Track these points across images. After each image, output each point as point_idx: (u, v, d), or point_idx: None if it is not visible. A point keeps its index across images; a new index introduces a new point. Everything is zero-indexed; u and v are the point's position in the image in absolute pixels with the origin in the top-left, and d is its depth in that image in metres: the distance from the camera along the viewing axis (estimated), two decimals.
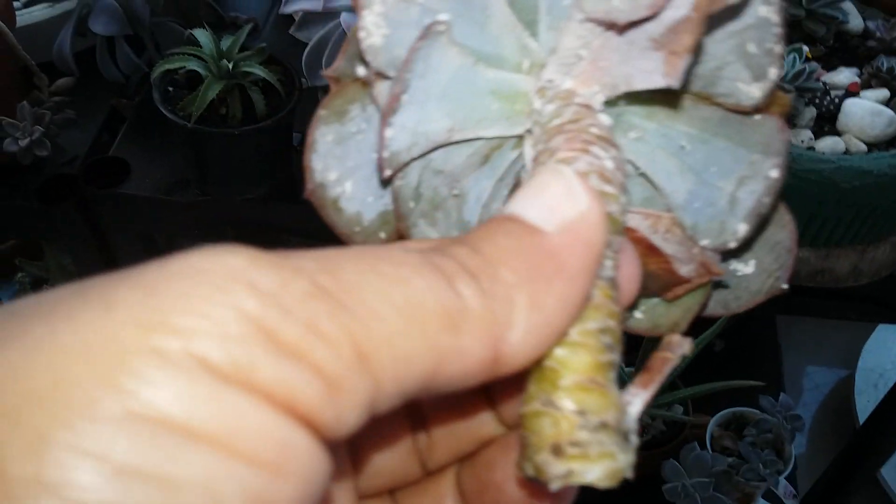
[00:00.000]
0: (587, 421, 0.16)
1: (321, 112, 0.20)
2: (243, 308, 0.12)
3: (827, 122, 0.54)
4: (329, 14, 0.55)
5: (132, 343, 0.12)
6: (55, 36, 0.64)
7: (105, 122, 0.69)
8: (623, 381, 0.17)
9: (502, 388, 0.20)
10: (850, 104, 0.53)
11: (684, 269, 0.21)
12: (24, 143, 0.61)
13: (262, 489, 0.12)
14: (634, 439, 0.17)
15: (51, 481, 0.11)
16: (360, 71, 0.20)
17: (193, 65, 0.57)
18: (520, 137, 0.21)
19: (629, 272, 0.19)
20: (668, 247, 0.21)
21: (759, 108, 0.20)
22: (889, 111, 0.52)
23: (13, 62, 0.62)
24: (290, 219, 0.64)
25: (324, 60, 0.56)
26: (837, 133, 0.53)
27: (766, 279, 0.22)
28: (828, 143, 0.52)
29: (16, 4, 0.68)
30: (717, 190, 0.21)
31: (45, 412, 0.11)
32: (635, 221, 0.21)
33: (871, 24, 0.58)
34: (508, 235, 0.16)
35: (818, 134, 0.53)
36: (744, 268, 0.23)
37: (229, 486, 0.12)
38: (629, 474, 0.16)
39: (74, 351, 0.12)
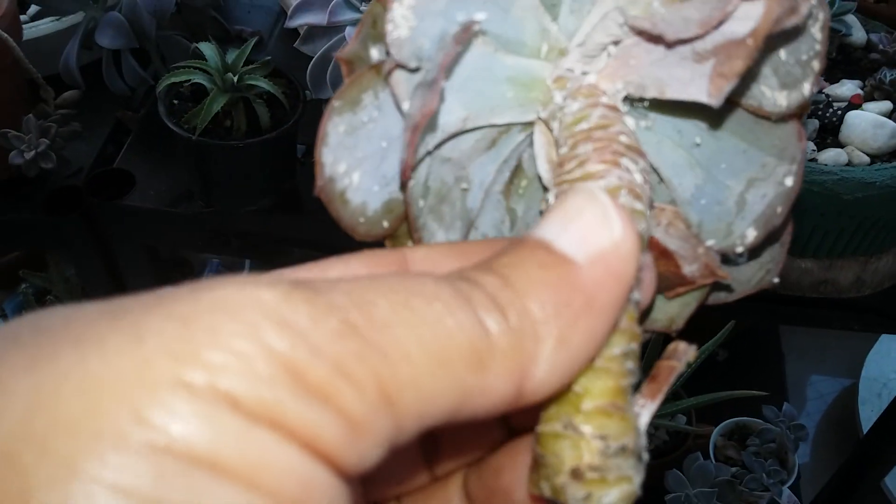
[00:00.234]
0: (608, 446, 0.16)
1: (335, 103, 0.19)
2: (273, 347, 0.12)
3: (829, 134, 0.54)
4: (333, 28, 0.55)
5: (162, 375, 0.12)
6: (61, 49, 0.65)
7: (110, 135, 0.69)
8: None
9: None
10: (853, 116, 0.53)
11: (687, 269, 0.21)
12: (29, 155, 0.61)
13: None
14: (646, 457, 0.17)
15: None
16: (374, 55, 0.19)
17: (199, 78, 0.57)
18: (529, 122, 0.20)
19: (647, 284, 0.19)
20: (671, 241, 0.21)
21: (784, 117, 0.19)
22: (892, 123, 0.52)
23: (19, 75, 0.62)
24: (293, 230, 0.64)
25: (328, 74, 0.56)
26: (840, 145, 0.53)
27: (758, 271, 0.22)
28: (830, 155, 0.52)
29: (22, 18, 0.68)
30: (725, 188, 0.21)
31: (74, 441, 0.11)
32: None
33: (874, 37, 0.58)
34: (539, 266, 0.16)
35: (821, 146, 0.54)
36: (738, 260, 0.22)
37: None
38: (640, 491, 0.16)
39: (104, 380, 0.12)
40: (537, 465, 0.17)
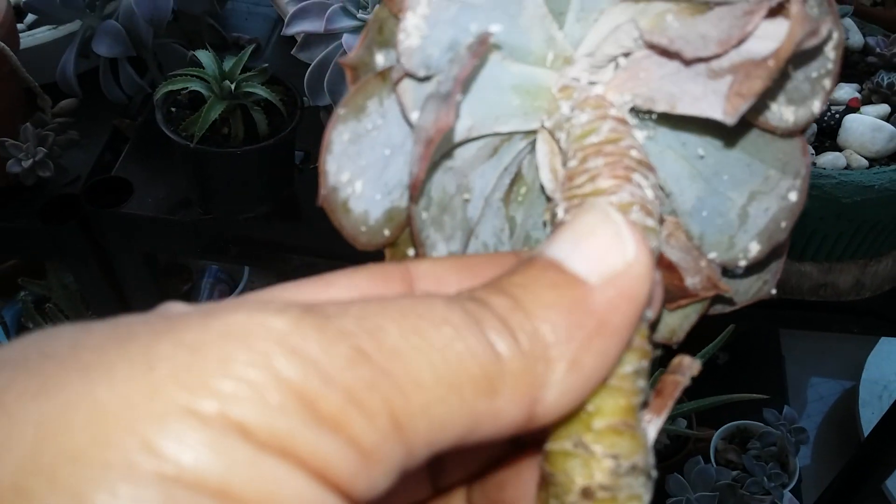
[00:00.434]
0: (619, 465, 0.16)
1: (340, 111, 0.19)
2: (284, 375, 0.12)
3: (828, 138, 0.54)
4: (330, 35, 0.55)
5: (171, 404, 0.12)
6: (59, 58, 0.65)
7: (108, 143, 0.69)
8: None
9: None
10: (851, 120, 0.53)
11: (689, 281, 0.21)
12: (27, 164, 0.61)
13: None
14: (655, 474, 0.17)
15: None
16: (380, 61, 0.19)
17: (196, 86, 0.57)
18: (532, 130, 0.20)
19: (656, 299, 0.18)
20: (671, 252, 0.20)
21: (790, 133, 0.19)
22: (890, 126, 0.52)
23: (17, 84, 0.62)
24: (291, 237, 0.64)
25: (326, 81, 0.56)
26: (838, 148, 0.53)
27: (755, 283, 0.22)
28: (829, 159, 0.52)
29: (19, 26, 0.68)
30: (727, 200, 0.20)
31: (83, 472, 0.11)
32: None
33: (870, 41, 0.59)
34: (550, 287, 0.15)
35: (819, 149, 0.54)
36: (736, 271, 0.22)
37: None
38: None
39: (113, 409, 0.12)
40: (546, 483, 0.17)
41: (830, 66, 0.18)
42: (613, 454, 0.16)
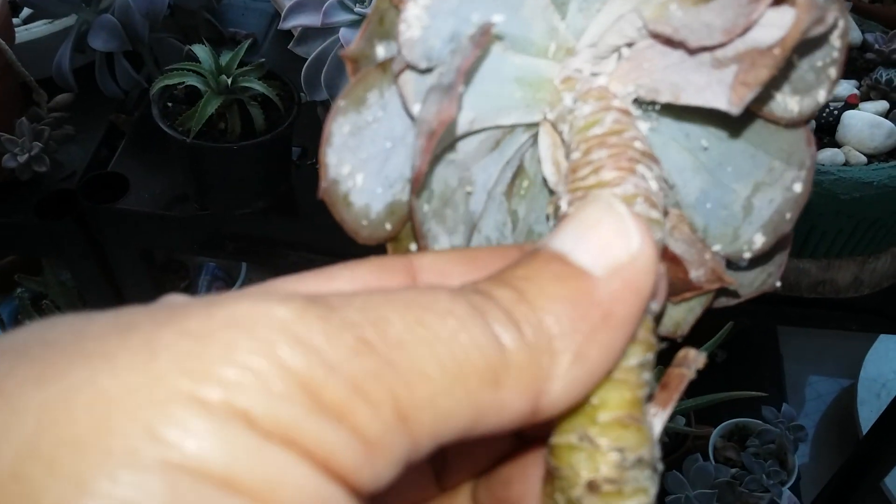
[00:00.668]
0: (625, 459, 0.16)
1: (340, 102, 0.19)
2: (288, 364, 0.12)
3: (826, 134, 0.54)
4: (328, 29, 0.55)
5: (175, 392, 0.12)
6: (54, 52, 0.64)
7: (104, 138, 0.69)
8: None
9: None
10: (850, 116, 0.53)
11: (694, 274, 0.20)
12: (22, 158, 0.61)
13: None
14: (660, 467, 0.17)
15: None
16: (381, 52, 0.19)
17: (192, 80, 0.57)
18: (533, 122, 0.20)
19: (660, 291, 0.18)
20: (675, 245, 0.20)
21: (795, 123, 0.19)
22: (888, 123, 0.52)
23: (12, 78, 0.62)
24: (289, 233, 0.64)
25: (323, 75, 0.56)
26: (837, 145, 0.53)
27: (760, 275, 0.22)
28: (827, 155, 0.52)
29: (15, 21, 0.68)
30: (731, 192, 0.20)
31: (84, 460, 0.11)
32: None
33: (869, 37, 0.58)
34: (555, 279, 0.15)
35: (817, 146, 0.53)
36: (740, 263, 0.22)
37: None
38: (651, 501, 0.16)
39: (115, 397, 0.12)
40: (551, 478, 0.17)
41: (836, 54, 0.18)
42: (619, 447, 0.16)
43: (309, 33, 0.56)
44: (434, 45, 0.18)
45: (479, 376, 0.14)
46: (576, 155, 0.18)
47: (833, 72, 0.18)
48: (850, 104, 0.55)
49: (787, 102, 0.19)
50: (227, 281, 1.04)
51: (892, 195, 0.49)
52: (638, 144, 0.18)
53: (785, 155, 0.20)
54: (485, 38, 0.17)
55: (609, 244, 0.16)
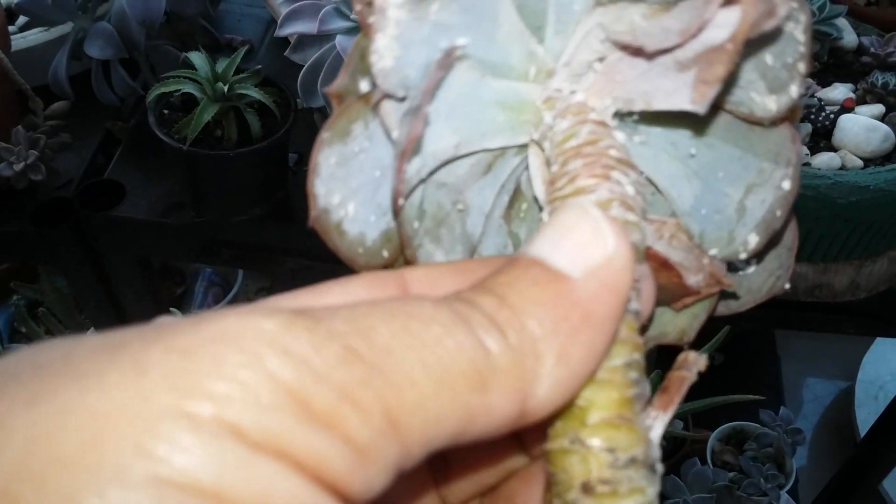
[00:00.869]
0: (616, 458, 0.16)
1: (324, 135, 0.19)
2: (276, 375, 0.12)
3: (822, 138, 0.54)
4: (324, 37, 0.55)
5: (163, 407, 0.12)
6: (50, 60, 0.64)
7: (100, 146, 0.69)
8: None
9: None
10: (846, 120, 0.53)
11: (692, 279, 0.21)
12: (18, 167, 0.61)
13: None
14: (661, 468, 0.17)
15: None
16: (364, 87, 0.19)
17: (189, 88, 0.57)
18: (523, 145, 0.21)
19: (646, 294, 0.19)
20: (674, 254, 0.21)
21: (774, 122, 0.20)
22: (884, 126, 0.52)
23: (8, 86, 0.62)
24: (286, 240, 0.63)
25: (319, 82, 0.56)
26: (833, 149, 0.53)
27: (768, 278, 0.22)
28: (823, 159, 0.52)
29: (11, 28, 0.68)
30: (725, 196, 0.21)
31: (74, 477, 0.11)
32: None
33: (865, 40, 0.59)
34: (534, 284, 0.16)
35: (814, 150, 0.54)
36: (746, 268, 0.22)
37: None
38: (656, 502, 0.16)
39: (105, 414, 0.12)
40: (549, 485, 0.17)
41: (802, 48, 0.19)
42: (610, 447, 0.16)
43: (305, 40, 0.56)
44: (410, 73, 0.18)
45: (466, 380, 0.14)
46: (554, 168, 0.19)
47: (802, 66, 0.19)
48: (847, 108, 0.55)
49: (766, 102, 0.19)
50: (223, 287, 1.03)
51: (888, 199, 0.49)
52: (613, 152, 0.18)
53: (773, 155, 0.20)
54: (447, 60, 0.18)
55: (585, 247, 0.16)
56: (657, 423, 0.18)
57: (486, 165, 0.21)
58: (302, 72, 0.56)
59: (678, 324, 0.22)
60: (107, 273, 0.67)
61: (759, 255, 0.21)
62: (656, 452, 0.17)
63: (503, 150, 0.21)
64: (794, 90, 0.19)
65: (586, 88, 0.20)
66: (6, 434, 0.12)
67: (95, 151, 0.68)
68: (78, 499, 0.11)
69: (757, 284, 0.22)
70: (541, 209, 0.21)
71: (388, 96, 0.19)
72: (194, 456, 0.11)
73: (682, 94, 0.18)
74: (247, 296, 1.01)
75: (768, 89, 0.19)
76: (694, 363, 0.19)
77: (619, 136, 0.19)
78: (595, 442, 0.16)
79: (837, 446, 1.10)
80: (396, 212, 0.19)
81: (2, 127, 0.61)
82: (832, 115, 0.54)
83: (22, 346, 0.88)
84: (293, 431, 0.12)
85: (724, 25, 0.17)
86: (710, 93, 0.17)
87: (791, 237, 0.22)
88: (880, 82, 0.54)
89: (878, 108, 0.54)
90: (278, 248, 0.64)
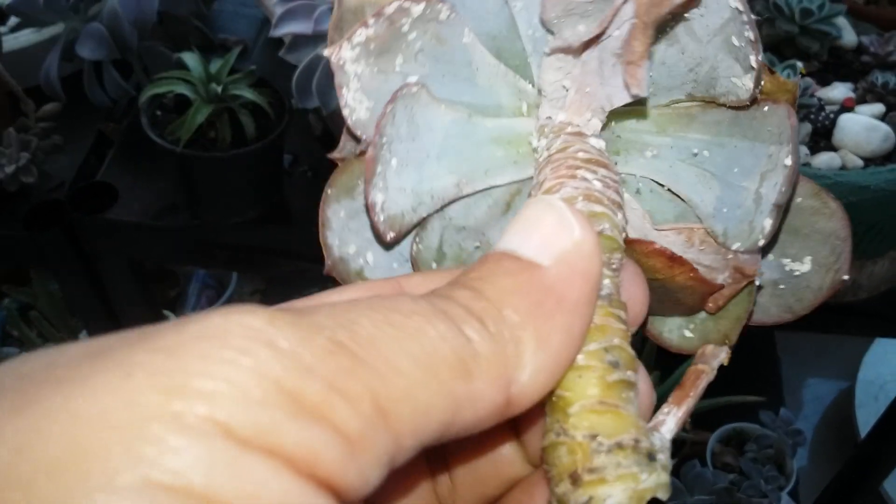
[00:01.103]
0: (600, 444, 0.16)
1: (329, 191, 0.20)
2: (264, 370, 0.12)
3: (822, 138, 0.54)
4: (319, 37, 0.54)
5: (151, 408, 0.12)
6: (42, 61, 0.63)
7: (92, 147, 0.68)
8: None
9: (528, 422, 0.19)
10: (846, 119, 0.53)
11: (721, 278, 0.21)
12: (10, 169, 0.60)
13: None
14: (664, 458, 0.16)
15: None
16: (359, 147, 0.20)
17: (182, 89, 0.56)
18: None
19: (635, 292, 0.19)
20: (705, 258, 0.21)
21: (755, 99, 0.20)
22: (885, 126, 0.52)
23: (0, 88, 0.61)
24: (281, 242, 0.63)
25: (314, 83, 0.55)
26: (833, 148, 0.53)
27: (826, 274, 0.22)
28: (824, 159, 0.52)
29: (2, 29, 0.67)
30: (743, 190, 0.21)
31: (60, 484, 0.11)
32: (670, 238, 0.21)
33: (864, 39, 0.58)
34: (507, 275, 0.16)
35: (814, 149, 0.53)
36: (800, 266, 0.22)
37: None
38: (664, 495, 0.16)
39: (91, 418, 0.11)
40: (547, 484, 0.17)
41: (745, 18, 0.19)
42: (592, 434, 0.16)
43: (300, 41, 0.55)
44: None
45: (450, 368, 0.14)
46: (534, 181, 0.20)
47: (752, 34, 0.20)
48: (847, 107, 0.54)
49: (744, 82, 0.20)
50: (217, 289, 1.03)
51: (889, 199, 0.49)
52: (581, 154, 0.19)
53: (776, 137, 0.20)
54: (396, 94, 0.19)
55: (552, 236, 0.17)
56: (670, 418, 0.17)
57: (504, 205, 0.21)
58: (297, 72, 0.56)
59: (720, 329, 0.22)
60: (99, 276, 0.67)
61: (808, 250, 0.22)
62: (658, 442, 0.16)
63: (518, 186, 0.21)
64: (753, 59, 0.20)
65: (566, 108, 0.21)
66: None
67: (87, 153, 0.68)
68: None
69: (816, 282, 0.22)
70: None
71: (372, 146, 0.19)
72: (184, 457, 0.11)
73: (625, 84, 0.19)
74: (241, 298, 1.00)
75: (743, 70, 0.20)
76: (712, 355, 0.18)
77: (595, 141, 0.20)
78: (578, 430, 0.16)
79: (838, 446, 1.09)
80: (388, 243, 0.20)
81: None
82: (832, 115, 0.53)
83: (13, 350, 0.87)
84: (283, 426, 0.12)
85: (632, 7, 0.18)
86: (640, 72, 0.18)
87: (842, 226, 0.22)
88: (880, 82, 0.54)
89: (879, 108, 0.54)
90: (274, 251, 0.64)
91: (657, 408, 0.19)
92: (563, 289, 0.16)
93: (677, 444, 0.93)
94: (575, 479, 0.15)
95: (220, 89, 0.56)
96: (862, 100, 0.55)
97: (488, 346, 0.15)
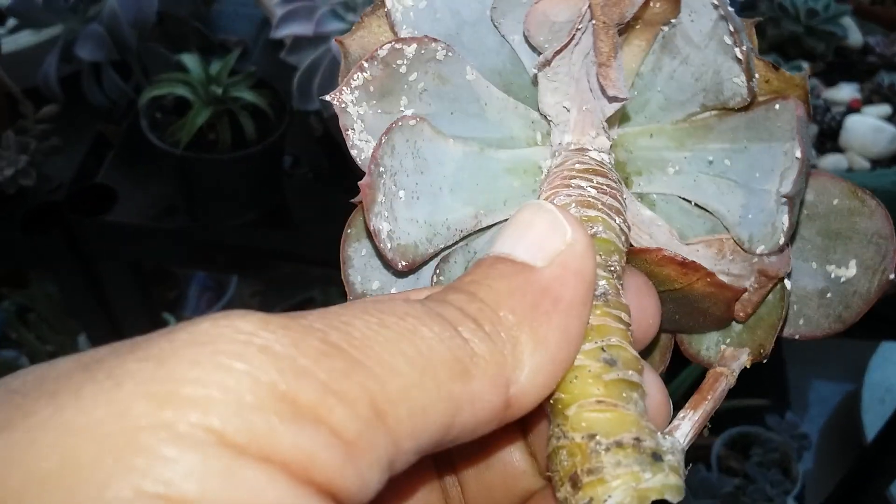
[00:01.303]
0: (597, 444, 0.15)
1: (349, 230, 0.20)
2: (257, 374, 0.12)
3: (829, 139, 0.53)
4: (320, 38, 0.54)
5: (142, 418, 0.11)
6: (41, 62, 0.63)
7: (91, 149, 0.68)
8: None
9: (537, 433, 0.19)
10: (852, 121, 0.52)
11: (747, 283, 0.21)
12: (8, 172, 0.60)
13: None
14: (673, 459, 0.16)
15: None
16: None
17: (181, 91, 0.55)
18: None
19: (646, 303, 0.19)
20: (734, 267, 0.21)
21: (753, 92, 0.20)
22: (891, 128, 0.51)
23: None
24: (281, 244, 0.62)
25: (315, 85, 0.55)
26: (840, 150, 0.52)
27: (873, 276, 0.21)
28: (830, 161, 0.51)
29: (0, 31, 0.67)
30: (766, 194, 0.21)
31: (51, 496, 0.11)
32: (700, 252, 0.21)
33: (870, 40, 0.57)
34: (502, 277, 0.16)
35: (820, 151, 0.52)
36: (846, 272, 0.22)
37: None
38: (674, 498, 0.15)
39: (82, 430, 0.11)
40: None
41: (722, 11, 0.19)
42: (591, 434, 0.15)
43: (301, 42, 0.55)
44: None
45: (448, 369, 0.14)
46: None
47: (731, 26, 0.20)
48: (853, 108, 0.54)
49: (743, 80, 0.20)
50: (217, 291, 1.02)
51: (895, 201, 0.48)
52: (577, 165, 0.19)
53: (788, 132, 0.20)
54: (392, 125, 0.19)
55: (545, 238, 0.17)
56: (685, 422, 0.17)
57: None
58: (297, 74, 0.55)
59: (755, 338, 0.22)
60: (98, 279, 0.66)
61: (852, 253, 0.21)
62: (668, 443, 0.16)
63: None
64: (738, 52, 0.20)
65: (572, 130, 0.21)
66: None
67: (86, 155, 0.67)
68: None
69: (864, 286, 0.21)
70: None
71: None
72: (177, 467, 0.11)
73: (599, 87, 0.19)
74: (241, 300, 1.00)
75: (741, 70, 0.20)
76: (732, 358, 0.18)
77: (595, 155, 0.20)
78: (577, 431, 0.16)
79: (844, 449, 1.08)
80: (400, 272, 0.20)
81: None
82: (838, 116, 0.53)
83: (12, 353, 0.87)
84: (279, 431, 0.12)
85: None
86: (613, 73, 0.18)
87: (884, 223, 0.21)
88: (886, 83, 0.53)
89: (885, 109, 0.53)
90: (274, 253, 0.63)
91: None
92: (558, 289, 0.16)
93: None
94: (575, 482, 0.15)
95: (220, 91, 0.55)
96: (868, 101, 0.55)
97: (485, 347, 0.15)
